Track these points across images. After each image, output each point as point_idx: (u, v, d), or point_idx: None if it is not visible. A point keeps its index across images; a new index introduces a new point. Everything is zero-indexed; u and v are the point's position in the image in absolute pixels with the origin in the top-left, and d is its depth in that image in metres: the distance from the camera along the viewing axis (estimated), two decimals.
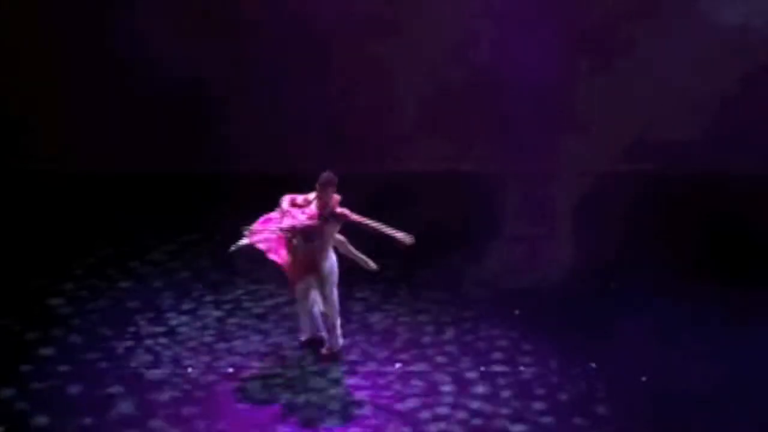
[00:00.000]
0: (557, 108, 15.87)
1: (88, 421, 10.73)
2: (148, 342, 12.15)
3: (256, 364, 11.73)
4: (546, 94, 15.71)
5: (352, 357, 11.74)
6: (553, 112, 15.82)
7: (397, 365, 11.65)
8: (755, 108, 16.05)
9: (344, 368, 11.56)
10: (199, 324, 12.57)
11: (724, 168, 16.00)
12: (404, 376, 11.47)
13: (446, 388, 11.27)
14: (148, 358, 11.83)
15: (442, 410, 10.89)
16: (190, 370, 11.58)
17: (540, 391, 11.20)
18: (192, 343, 12.14)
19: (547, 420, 10.72)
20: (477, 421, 10.72)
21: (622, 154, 15.76)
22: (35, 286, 13.40)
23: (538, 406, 10.96)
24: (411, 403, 11.04)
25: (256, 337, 12.28)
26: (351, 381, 11.32)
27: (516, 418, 10.75)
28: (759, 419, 10.66)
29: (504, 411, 10.87)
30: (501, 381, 11.40)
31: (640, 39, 15.61)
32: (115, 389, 11.23)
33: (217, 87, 16.06)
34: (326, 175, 11.24)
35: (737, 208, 15.27)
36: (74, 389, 11.26)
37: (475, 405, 10.98)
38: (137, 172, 16.52)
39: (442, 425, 10.67)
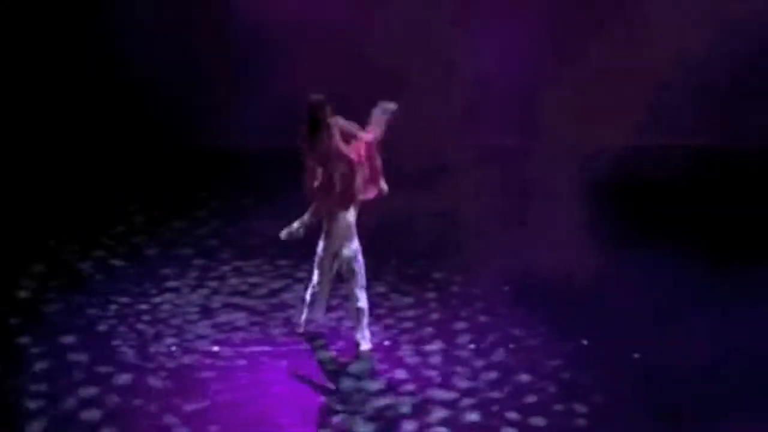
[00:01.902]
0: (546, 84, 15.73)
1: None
2: (131, 320, 11.92)
3: (240, 342, 11.51)
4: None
5: (340, 335, 11.57)
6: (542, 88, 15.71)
7: (386, 342, 11.49)
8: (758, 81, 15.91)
9: (333, 346, 11.39)
10: (182, 301, 12.35)
11: (719, 143, 15.87)
12: (392, 353, 11.33)
13: (435, 362, 11.11)
14: (131, 336, 11.59)
15: (430, 388, 10.70)
16: (173, 348, 11.34)
17: (530, 369, 11.02)
18: (175, 321, 11.91)
19: (535, 398, 10.55)
20: (463, 400, 10.53)
21: (614, 131, 15.55)
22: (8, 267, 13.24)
23: (527, 382, 10.79)
24: (398, 378, 10.91)
25: (241, 314, 12.05)
26: (339, 359, 11.18)
27: (505, 396, 10.59)
28: (753, 397, 10.51)
29: (492, 387, 10.69)
30: (490, 358, 11.23)
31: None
32: (97, 369, 11.00)
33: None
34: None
35: (733, 183, 15.17)
36: (54, 375, 11.04)
37: (461, 382, 10.78)
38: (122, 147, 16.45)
39: (431, 400, 10.52)
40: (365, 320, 11.25)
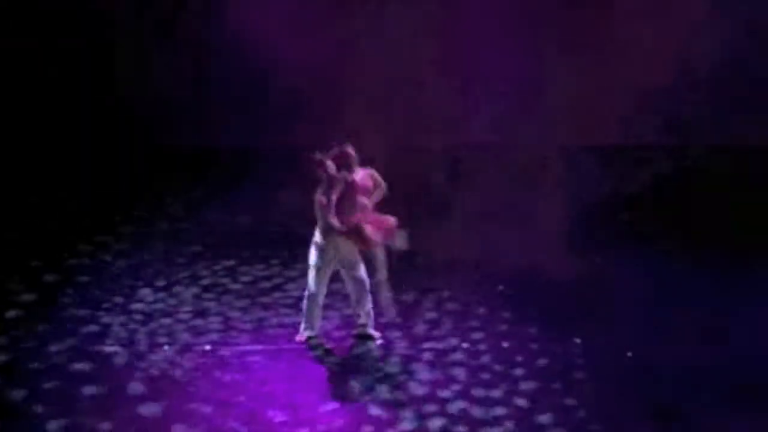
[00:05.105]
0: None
1: (56, 406, 10.33)
2: (122, 319, 11.86)
3: (233, 340, 11.45)
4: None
5: (333, 335, 11.52)
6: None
7: (379, 341, 11.42)
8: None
9: (325, 346, 11.32)
10: (174, 301, 12.32)
11: (713, 139, 15.93)
12: (384, 351, 11.27)
13: (425, 365, 10.99)
14: (123, 335, 11.53)
15: (420, 387, 10.61)
16: (166, 348, 11.26)
17: (523, 367, 10.95)
18: (167, 321, 11.85)
19: (529, 396, 10.46)
20: (458, 400, 10.43)
21: (604, 127, 15.59)
22: None
23: (521, 382, 10.70)
24: (390, 375, 10.84)
25: (234, 314, 12.02)
26: (330, 359, 11.11)
27: (497, 394, 10.49)
28: (743, 395, 10.45)
29: (486, 385, 10.60)
30: (483, 359, 11.14)
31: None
32: (87, 367, 10.93)
33: None
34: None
35: (724, 181, 15.16)
36: (44, 371, 10.94)
37: (456, 381, 10.69)
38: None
39: (420, 399, 10.42)
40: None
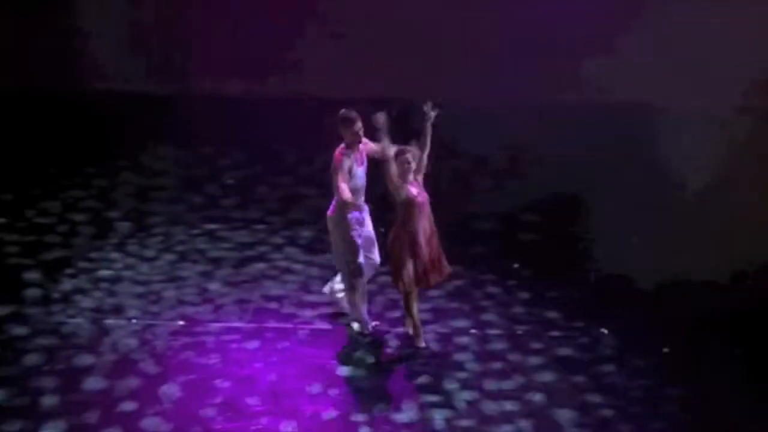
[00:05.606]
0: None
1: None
2: (88, 287, 11.28)
3: (209, 316, 10.80)
4: None
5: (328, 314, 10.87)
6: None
7: (374, 323, 10.65)
8: None
9: (311, 326, 10.66)
10: (146, 268, 11.69)
11: None
12: (380, 335, 10.52)
13: (427, 351, 10.30)
14: (87, 305, 10.91)
15: (420, 376, 9.92)
16: (134, 321, 10.67)
17: (539, 351, 10.31)
18: (139, 290, 11.24)
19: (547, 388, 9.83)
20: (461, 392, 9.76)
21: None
22: None
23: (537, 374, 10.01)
24: (384, 366, 10.17)
25: (213, 286, 11.36)
26: (318, 341, 10.43)
27: (510, 387, 9.80)
28: None
29: (497, 380, 9.89)
30: (495, 345, 10.43)
31: None
32: (46, 341, 10.29)
33: None
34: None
35: None
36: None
37: (461, 374, 9.98)
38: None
39: (421, 389, 9.77)
40: None
